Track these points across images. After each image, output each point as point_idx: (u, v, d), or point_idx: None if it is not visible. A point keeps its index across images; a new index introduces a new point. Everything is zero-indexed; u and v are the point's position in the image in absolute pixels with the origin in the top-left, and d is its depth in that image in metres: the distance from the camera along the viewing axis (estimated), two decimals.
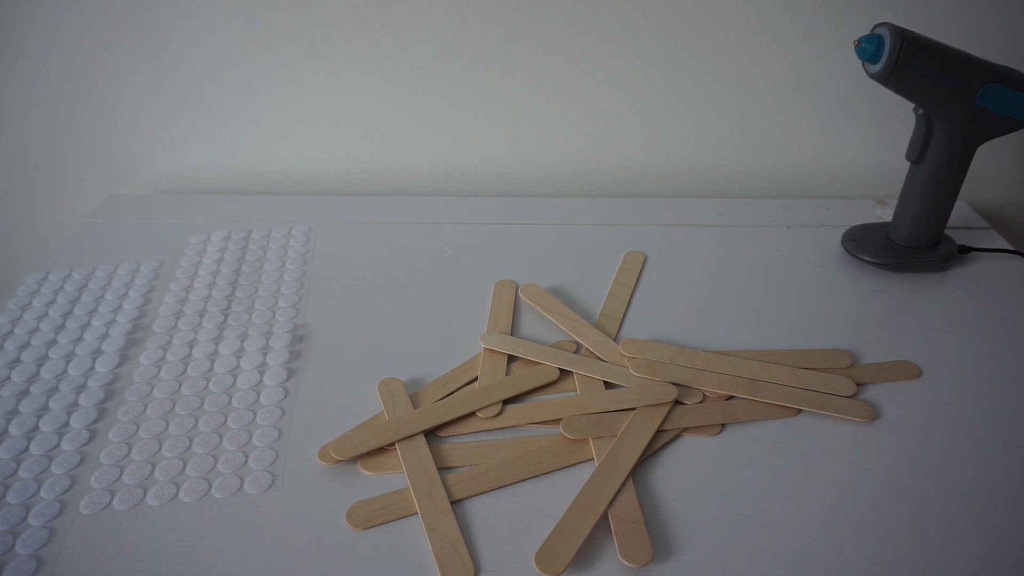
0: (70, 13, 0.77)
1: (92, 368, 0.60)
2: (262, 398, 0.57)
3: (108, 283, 0.70)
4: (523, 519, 0.48)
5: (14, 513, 0.48)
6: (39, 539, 0.46)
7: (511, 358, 0.61)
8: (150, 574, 0.45)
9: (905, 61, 0.60)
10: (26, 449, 0.53)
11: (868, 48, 0.61)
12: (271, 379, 0.59)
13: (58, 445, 0.53)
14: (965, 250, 0.74)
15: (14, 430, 0.54)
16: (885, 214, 0.81)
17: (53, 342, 0.63)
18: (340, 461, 0.51)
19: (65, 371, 0.60)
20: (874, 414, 0.55)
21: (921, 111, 0.66)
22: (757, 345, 0.63)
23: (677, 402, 0.56)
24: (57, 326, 0.65)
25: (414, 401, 0.56)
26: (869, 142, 0.86)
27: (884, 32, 0.61)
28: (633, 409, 0.55)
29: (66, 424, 0.55)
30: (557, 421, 0.54)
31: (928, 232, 0.71)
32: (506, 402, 0.56)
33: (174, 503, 0.49)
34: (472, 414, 0.55)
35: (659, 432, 0.53)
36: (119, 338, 0.63)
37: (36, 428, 0.54)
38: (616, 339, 0.63)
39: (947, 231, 0.73)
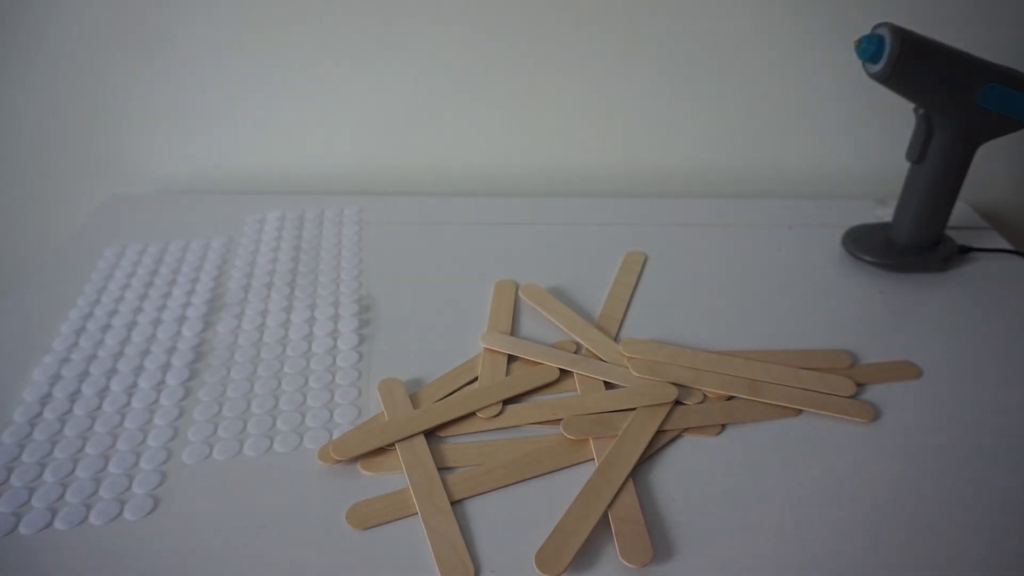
0: (71, 13, 0.77)
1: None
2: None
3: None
4: (523, 519, 0.47)
5: (128, 453, 0.53)
6: (152, 481, 0.50)
7: (511, 358, 0.61)
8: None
9: (905, 61, 0.60)
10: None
11: (868, 48, 0.61)
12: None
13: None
14: (965, 250, 0.74)
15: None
16: (885, 214, 0.81)
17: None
18: (340, 461, 0.51)
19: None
20: (874, 414, 0.55)
21: (921, 111, 0.66)
22: (758, 345, 0.62)
23: (677, 402, 0.56)
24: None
25: (414, 401, 0.56)
26: (869, 142, 0.86)
27: (884, 32, 0.60)
28: (633, 409, 0.55)
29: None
30: (557, 421, 0.54)
31: (928, 232, 0.71)
32: (506, 402, 0.56)
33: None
34: (472, 414, 0.55)
35: (659, 432, 0.53)
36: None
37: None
38: (616, 339, 0.63)
39: (947, 231, 0.73)
